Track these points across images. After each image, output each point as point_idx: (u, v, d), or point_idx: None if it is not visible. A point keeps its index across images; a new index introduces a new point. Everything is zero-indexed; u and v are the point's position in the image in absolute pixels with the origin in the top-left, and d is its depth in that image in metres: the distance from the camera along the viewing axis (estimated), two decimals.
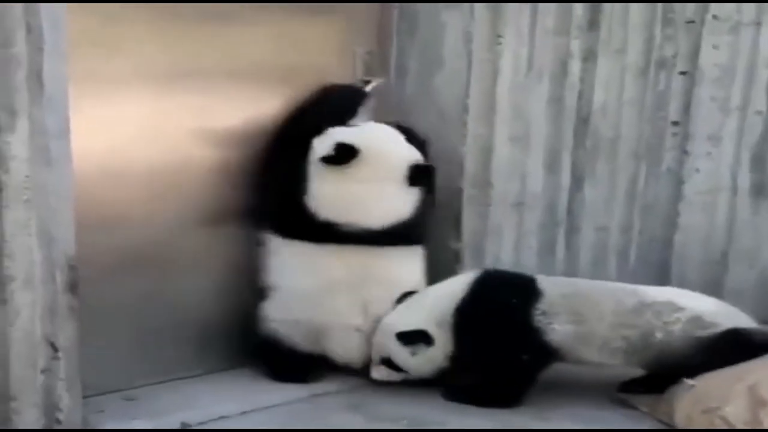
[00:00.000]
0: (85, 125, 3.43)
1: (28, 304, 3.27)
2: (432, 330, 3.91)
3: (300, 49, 4.06)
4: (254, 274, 4.07)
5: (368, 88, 4.20)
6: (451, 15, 4.16)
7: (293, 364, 4.03)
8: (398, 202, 3.99)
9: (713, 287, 4.34)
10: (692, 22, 4.63)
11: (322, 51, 4.15)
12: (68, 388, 3.43)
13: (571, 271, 4.59)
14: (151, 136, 3.79)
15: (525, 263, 4.43)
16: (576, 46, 4.36)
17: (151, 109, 3.77)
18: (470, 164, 4.27)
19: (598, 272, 4.62)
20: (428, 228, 4.13)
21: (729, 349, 3.82)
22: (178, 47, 3.78)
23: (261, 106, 4.03)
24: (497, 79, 4.20)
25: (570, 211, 4.58)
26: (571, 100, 4.42)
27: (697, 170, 4.80)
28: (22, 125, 3.12)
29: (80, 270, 3.40)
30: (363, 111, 4.14)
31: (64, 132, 3.24)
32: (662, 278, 4.59)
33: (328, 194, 3.93)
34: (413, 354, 3.93)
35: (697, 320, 3.84)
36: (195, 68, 3.84)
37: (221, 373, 4.09)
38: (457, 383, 3.97)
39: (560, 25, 4.31)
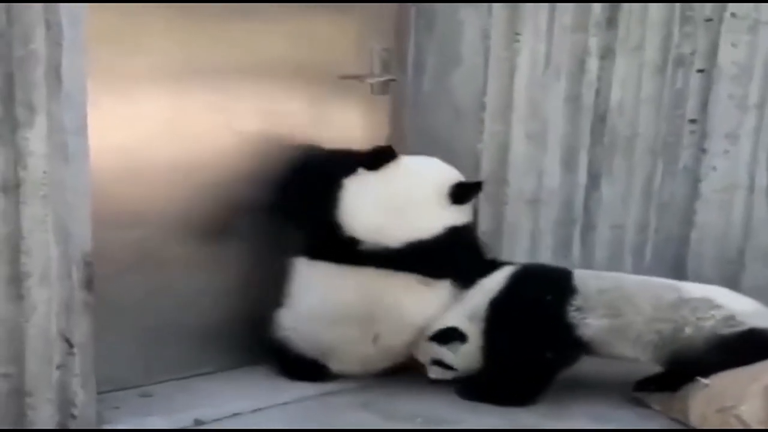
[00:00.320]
0: (103, 122, 3.44)
1: (45, 300, 3.28)
2: (464, 326, 3.92)
3: (317, 46, 4.05)
4: (270, 273, 4.06)
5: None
6: (469, 12, 4.15)
7: (303, 367, 4.03)
8: (426, 219, 3.92)
9: (730, 285, 4.28)
10: (710, 20, 4.61)
11: (339, 48, 4.13)
12: (83, 384, 3.44)
13: (586, 269, 4.55)
14: (169, 133, 3.79)
15: (540, 260, 4.40)
16: (594, 43, 4.34)
17: (169, 106, 3.77)
18: (487, 161, 4.25)
19: (613, 270, 4.59)
20: (463, 266, 4.03)
21: (746, 348, 3.81)
22: (196, 44, 3.77)
23: (279, 103, 4.03)
24: (515, 77, 4.18)
25: (586, 209, 4.56)
26: (588, 97, 4.40)
27: (714, 168, 4.79)
28: (41, 121, 3.13)
29: (97, 266, 3.41)
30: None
31: (82, 128, 3.24)
32: (678, 276, 4.55)
33: (356, 205, 3.91)
34: (453, 352, 3.94)
35: (729, 319, 3.83)
36: (213, 65, 3.83)
37: (235, 370, 4.09)
38: (472, 381, 3.96)
39: (578, 23, 4.29)
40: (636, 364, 3.95)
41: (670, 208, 4.82)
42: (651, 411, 3.95)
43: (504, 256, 4.33)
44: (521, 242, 4.39)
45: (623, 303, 3.87)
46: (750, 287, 4.66)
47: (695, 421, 3.69)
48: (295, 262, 4.00)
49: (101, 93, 3.44)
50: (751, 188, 4.83)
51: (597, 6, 4.31)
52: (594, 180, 4.54)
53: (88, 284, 3.37)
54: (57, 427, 3.41)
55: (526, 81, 4.21)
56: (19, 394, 3.31)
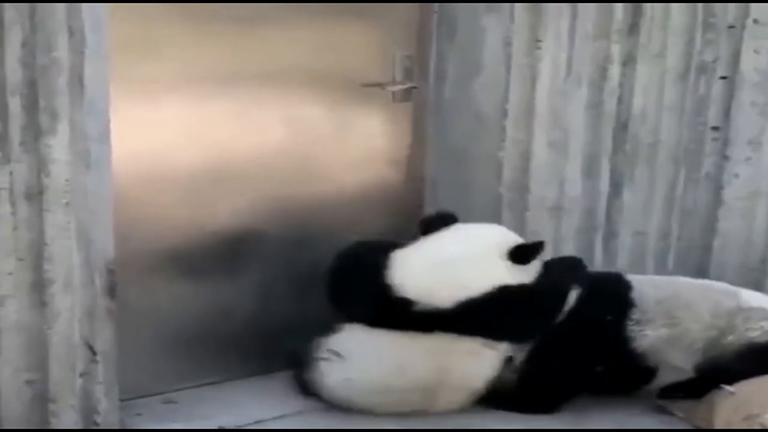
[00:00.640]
0: (126, 129, 3.47)
1: (68, 308, 3.31)
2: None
3: (339, 53, 4.05)
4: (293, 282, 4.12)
5: None
6: (491, 19, 4.13)
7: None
8: (474, 277, 3.80)
9: None
10: (733, 26, 4.58)
11: (361, 54, 4.13)
12: (106, 391, 3.47)
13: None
14: (192, 141, 3.80)
15: None
16: (616, 50, 4.31)
17: (192, 114, 3.78)
18: (508, 169, 4.24)
19: None
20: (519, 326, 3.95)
21: None
22: (218, 51, 3.77)
23: (300, 110, 4.03)
24: (536, 84, 4.16)
25: (608, 216, 4.54)
26: (610, 105, 4.37)
27: (737, 175, 4.75)
28: (63, 129, 3.15)
29: (120, 273, 3.43)
30: None
31: (105, 135, 3.27)
32: None
33: (407, 266, 3.83)
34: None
35: None
36: (236, 72, 3.84)
37: (259, 377, 4.09)
38: (503, 390, 3.95)
39: (600, 30, 4.26)
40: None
41: (692, 216, 4.79)
42: (675, 418, 3.94)
43: None
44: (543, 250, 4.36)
45: (681, 311, 3.88)
46: None
47: (720, 428, 3.68)
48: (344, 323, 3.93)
49: (124, 100, 3.46)
50: None
51: (619, 13, 4.29)
52: (616, 187, 4.52)
53: (111, 291, 3.39)
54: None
55: (547, 88, 4.19)
56: (43, 400, 3.34)
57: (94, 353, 3.41)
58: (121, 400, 3.59)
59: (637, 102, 4.45)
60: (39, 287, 3.24)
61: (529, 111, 4.19)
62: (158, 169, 3.75)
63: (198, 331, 3.95)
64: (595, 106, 4.35)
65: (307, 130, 4.07)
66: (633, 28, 4.36)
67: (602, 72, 4.33)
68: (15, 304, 3.21)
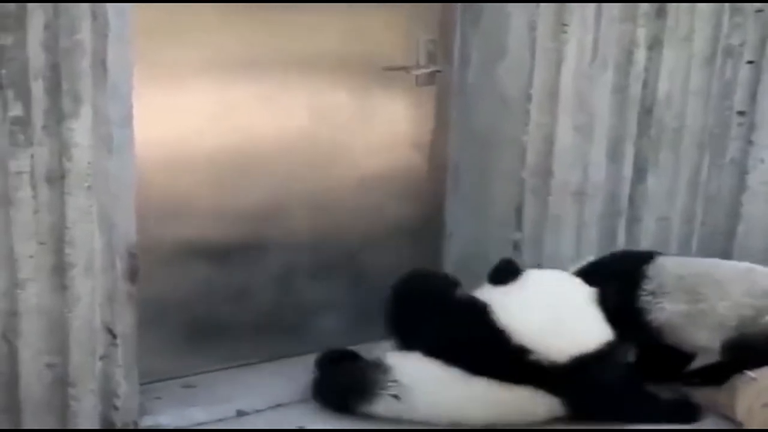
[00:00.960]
0: (149, 114, 3.45)
1: (88, 291, 3.30)
2: None
3: (364, 37, 4.02)
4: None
5: None
6: (516, 3, 4.09)
7: None
8: (589, 330, 3.71)
9: None
10: (761, 10, 4.55)
11: (385, 39, 4.10)
12: (126, 375, 3.47)
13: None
14: (216, 125, 3.79)
15: (585, 253, 4.35)
16: (642, 34, 4.27)
17: (216, 98, 3.76)
18: (532, 153, 4.21)
19: None
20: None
21: None
22: (243, 36, 3.75)
23: (325, 95, 4.02)
24: (561, 68, 4.13)
25: (631, 201, 4.51)
26: (635, 89, 4.34)
27: (762, 161, 4.74)
28: (86, 112, 3.14)
29: (141, 258, 3.42)
30: None
31: (127, 119, 3.25)
32: None
33: (525, 312, 3.68)
34: None
35: None
36: (260, 57, 3.81)
37: (277, 361, 4.09)
38: None
39: (626, 13, 4.22)
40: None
41: (716, 201, 4.77)
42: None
43: (548, 249, 4.33)
44: (566, 235, 4.35)
45: (707, 288, 3.85)
46: None
47: (741, 415, 3.68)
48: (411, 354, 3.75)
49: (148, 85, 3.43)
50: None
51: None
52: (640, 172, 4.49)
53: (132, 275, 3.39)
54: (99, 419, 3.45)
55: (572, 72, 4.16)
56: (63, 384, 3.34)
57: (114, 337, 3.40)
58: (141, 384, 3.58)
59: (663, 86, 4.41)
60: (60, 271, 3.23)
61: (553, 95, 4.16)
62: (182, 154, 3.74)
63: (218, 315, 3.96)
64: (621, 90, 4.32)
65: (331, 115, 4.05)
66: (660, 11, 4.32)
67: (628, 56, 4.29)
68: (36, 287, 3.20)
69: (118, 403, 3.47)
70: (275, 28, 3.81)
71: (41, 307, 3.23)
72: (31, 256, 3.16)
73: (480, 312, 3.66)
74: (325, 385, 3.83)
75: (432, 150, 4.36)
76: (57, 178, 3.14)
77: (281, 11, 3.81)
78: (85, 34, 3.07)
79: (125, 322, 3.41)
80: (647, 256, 4.04)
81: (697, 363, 4.08)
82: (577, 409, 3.66)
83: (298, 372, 3.95)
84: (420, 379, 3.66)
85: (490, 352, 3.60)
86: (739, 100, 4.67)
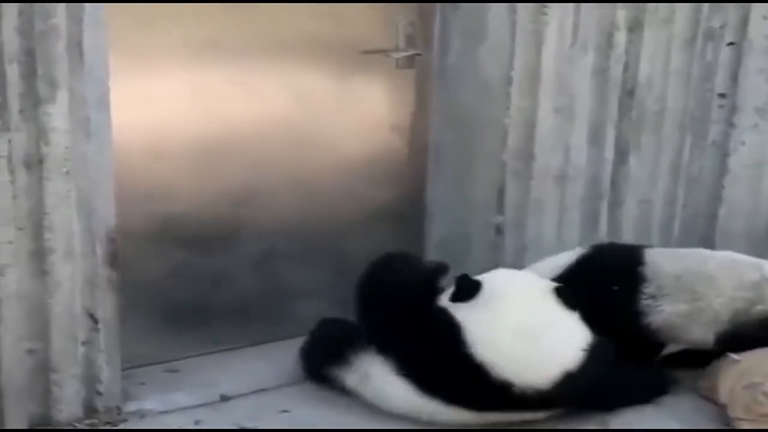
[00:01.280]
0: (127, 99, 3.45)
1: (68, 277, 3.30)
2: None
3: (342, 20, 4.00)
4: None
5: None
6: None
7: None
8: (565, 341, 3.57)
9: None
10: None
11: (364, 22, 4.09)
12: (108, 360, 3.47)
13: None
14: (193, 110, 3.78)
15: (567, 237, 4.38)
16: (622, 16, 4.26)
17: (193, 83, 3.76)
18: (513, 137, 4.20)
19: None
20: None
21: None
22: (219, 20, 3.73)
23: (303, 79, 4.00)
24: (542, 51, 4.12)
25: (613, 184, 4.51)
26: (616, 71, 4.33)
27: (743, 143, 4.72)
28: (62, 96, 3.14)
29: (122, 243, 3.43)
30: None
31: (104, 104, 3.25)
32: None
33: (498, 341, 3.53)
34: None
35: None
36: (237, 41, 3.80)
37: (260, 345, 4.09)
38: None
39: None
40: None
41: (698, 184, 4.77)
42: (680, 388, 3.93)
43: (530, 232, 4.33)
44: (548, 218, 4.35)
45: (702, 285, 3.86)
46: None
47: (724, 397, 3.67)
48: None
49: (125, 71, 3.42)
50: None
51: None
52: (621, 155, 4.48)
53: (113, 260, 3.39)
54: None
55: (553, 55, 4.15)
56: (45, 370, 3.35)
57: (96, 322, 3.41)
58: (124, 369, 3.59)
59: (644, 68, 4.41)
60: (39, 256, 3.24)
61: (534, 78, 4.16)
62: (160, 139, 3.73)
63: (200, 300, 3.96)
64: (601, 72, 4.31)
65: (310, 99, 4.04)
66: None
67: (608, 38, 4.28)
68: (15, 273, 3.20)
69: (101, 388, 3.48)
70: (253, 11, 3.79)
71: (21, 293, 3.23)
72: (9, 242, 3.16)
73: (457, 343, 3.51)
74: (308, 346, 3.86)
75: (413, 133, 4.36)
76: (35, 163, 3.14)
77: None
78: (60, 18, 3.07)
79: (106, 306, 3.42)
80: (639, 255, 3.99)
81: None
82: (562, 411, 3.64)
83: (281, 356, 3.95)
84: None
85: (470, 387, 3.50)
86: (720, 83, 4.66)
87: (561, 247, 4.29)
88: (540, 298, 3.65)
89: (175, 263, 3.88)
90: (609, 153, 4.45)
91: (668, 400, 3.84)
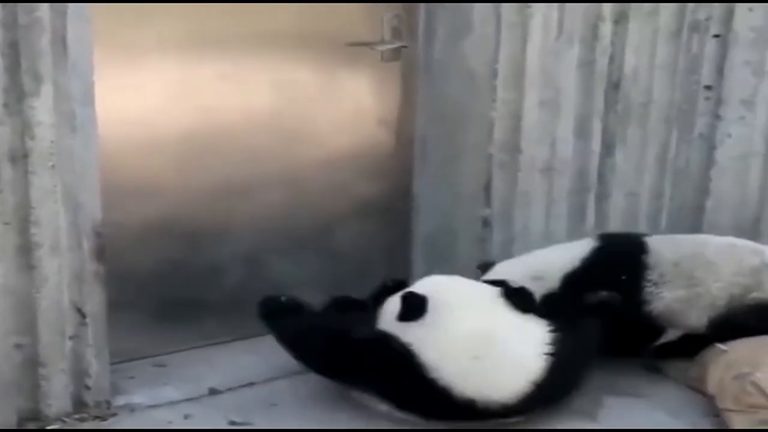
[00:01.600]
0: (113, 93, 3.46)
1: (55, 271, 3.31)
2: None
3: (327, 13, 4.00)
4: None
5: None
6: None
7: None
8: (525, 350, 3.51)
9: None
10: None
11: (349, 15, 4.08)
12: (96, 354, 3.48)
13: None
14: (178, 104, 3.78)
15: (554, 229, 4.39)
16: (607, 8, 4.27)
17: (179, 77, 3.76)
18: (499, 130, 4.21)
19: None
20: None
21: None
22: (206, 14, 3.74)
23: (289, 72, 4.01)
24: (527, 44, 4.13)
25: (600, 177, 4.52)
26: (602, 64, 4.34)
27: (729, 135, 4.73)
28: (47, 90, 3.14)
29: (110, 237, 3.43)
30: None
31: (89, 97, 3.26)
32: None
33: (455, 358, 3.46)
34: None
35: None
36: (222, 35, 3.80)
37: (250, 339, 4.07)
38: None
39: None
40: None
41: (685, 176, 4.77)
42: (668, 379, 3.96)
43: (517, 225, 4.34)
44: (535, 211, 4.36)
45: (701, 271, 3.87)
46: None
47: (712, 387, 3.68)
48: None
49: (110, 65, 3.43)
50: (767, 155, 4.79)
51: None
52: (608, 148, 4.49)
53: (99, 254, 3.39)
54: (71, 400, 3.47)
55: (538, 47, 4.16)
56: (33, 364, 3.35)
57: (84, 316, 3.41)
58: (113, 364, 3.59)
59: (629, 61, 4.42)
60: (26, 251, 3.24)
61: (519, 70, 4.17)
62: (147, 134, 3.74)
63: (188, 294, 3.96)
64: (587, 65, 4.32)
65: (295, 92, 4.04)
66: None
67: (594, 30, 4.29)
68: (2, 268, 3.21)
69: (90, 382, 3.48)
70: (239, 5, 3.79)
71: (8, 288, 3.23)
72: None
73: (414, 370, 3.42)
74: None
75: (399, 126, 4.36)
76: (20, 157, 3.15)
77: None
78: (43, 11, 3.07)
79: (94, 301, 3.42)
80: (642, 243, 4.00)
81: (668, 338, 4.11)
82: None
83: (270, 350, 3.93)
84: None
85: (438, 406, 3.45)
86: (705, 75, 4.66)
87: (548, 240, 4.31)
88: (490, 306, 3.60)
89: (163, 257, 3.88)
90: (595, 146, 4.46)
91: (657, 392, 3.85)
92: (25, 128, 3.13)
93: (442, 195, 4.38)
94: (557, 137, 4.33)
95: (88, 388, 3.49)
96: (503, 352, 3.45)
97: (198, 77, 3.79)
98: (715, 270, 3.87)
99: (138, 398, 3.63)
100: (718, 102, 4.70)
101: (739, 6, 4.57)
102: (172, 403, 3.63)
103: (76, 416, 3.46)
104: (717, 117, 4.72)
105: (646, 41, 4.45)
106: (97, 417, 3.49)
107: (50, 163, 3.19)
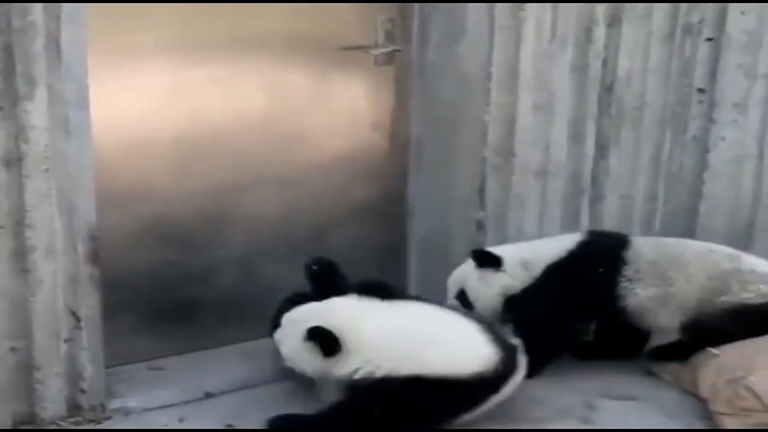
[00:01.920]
0: (108, 97, 3.47)
1: (50, 274, 3.31)
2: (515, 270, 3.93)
3: (321, 17, 4.01)
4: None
5: None
6: None
7: None
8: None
9: None
10: None
11: (342, 19, 4.10)
12: (91, 357, 3.48)
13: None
14: (174, 107, 3.79)
15: (548, 232, 4.37)
16: (601, 11, 4.27)
17: (174, 81, 3.77)
18: (493, 133, 4.21)
19: None
20: None
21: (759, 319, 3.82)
22: (200, 18, 3.75)
23: (282, 76, 4.02)
24: (520, 47, 4.13)
25: (594, 180, 4.52)
26: (595, 67, 4.34)
27: (723, 138, 4.73)
28: (41, 94, 3.14)
29: (105, 241, 3.45)
30: None
31: (84, 101, 3.26)
32: None
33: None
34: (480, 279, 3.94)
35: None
36: (215, 38, 3.81)
37: (245, 343, 4.09)
38: None
39: None
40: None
41: (678, 179, 4.77)
42: (662, 382, 3.97)
43: (512, 229, 4.34)
44: (529, 214, 4.36)
45: (675, 272, 3.90)
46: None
47: (705, 392, 3.69)
48: None
49: (105, 67, 3.44)
50: (761, 158, 4.79)
51: None
52: (602, 151, 4.49)
53: (94, 258, 3.40)
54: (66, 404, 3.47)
55: (531, 51, 4.16)
56: (28, 368, 3.36)
57: (78, 320, 3.41)
58: (108, 368, 3.60)
59: (623, 64, 4.41)
60: (21, 254, 3.24)
61: (513, 74, 4.17)
62: (140, 136, 3.74)
63: (183, 298, 3.96)
64: (580, 68, 4.32)
65: (289, 96, 4.05)
66: None
67: (587, 34, 4.29)
68: None
69: (85, 385, 3.49)
70: (233, 9, 3.80)
71: (2, 291, 3.25)
72: None
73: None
74: None
75: (393, 130, 4.37)
76: (14, 161, 3.15)
77: None
78: (37, 14, 3.08)
79: (89, 304, 3.43)
80: (625, 240, 4.05)
81: (660, 341, 4.10)
82: None
83: (265, 354, 3.93)
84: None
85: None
86: (698, 78, 4.66)
87: None
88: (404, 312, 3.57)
89: (158, 261, 3.89)
90: (589, 149, 4.46)
91: (652, 394, 3.86)
92: (19, 132, 3.13)
93: (437, 198, 4.39)
94: (551, 140, 4.33)
95: (83, 391, 3.49)
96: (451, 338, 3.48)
97: (192, 80, 3.80)
98: (689, 271, 3.90)
99: (133, 401, 3.63)
100: (711, 105, 4.70)
101: (731, 9, 4.57)
102: (166, 407, 3.64)
103: (71, 419, 3.47)
104: (710, 120, 4.72)
105: (640, 44, 4.44)
106: (91, 420, 3.50)
107: (44, 167, 3.19)
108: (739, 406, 3.52)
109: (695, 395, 3.76)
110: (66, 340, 3.41)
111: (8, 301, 3.25)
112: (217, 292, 4.05)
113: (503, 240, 4.28)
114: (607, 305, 3.94)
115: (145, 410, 3.61)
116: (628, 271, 3.92)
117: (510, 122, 4.22)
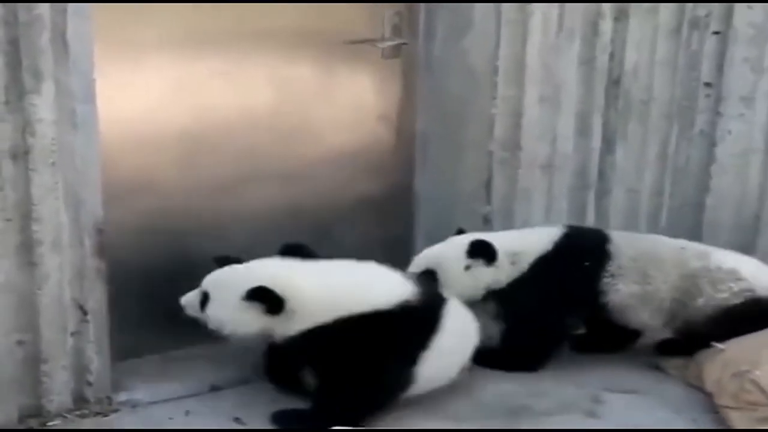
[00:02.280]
0: (113, 91, 3.46)
1: (57, 268, 3.31)
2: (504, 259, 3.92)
3: (327, 11, 4.01)
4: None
5: None
6: None
7: None
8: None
9: (745, 251, 4.28)
10: None
11: (349, 12, 4.09)
12: (98, 350, 3.49)
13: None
14: (180, 101, 3.79)
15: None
16: (607, 5, 4.27)
17: (180, 74, 3.76)
18: (500, 126, 4.22)
19: None
20: None
21: (747, 316, 3.83)
22: (206, 11, 3.74)
23: (289, 69, 4.01)
24: (527, 40, 4.13)
25: (601, 174, 4.52)
26: (602, 61, 4.34)
27: (730, 132, 4.72)
28: (48, 88, 3.14)
29: (112, 234, 3.45)
30: None
31: (90, 95, 3.26)
32: (693, 241, 4.52)
33: None
34: (466, 268, 3.92)
35: (744, 292, 3.85)
36: (223, 32, 3.81)
37: None
38: (488, 349, 3.91)
39: None
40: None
41: (685, 173, 4.77)
42: (667, 376, 3.96)
43: (518, 222, 4.34)
44: (536, 207, 4.37)
45: (654, 270, 3.90)
46: (765, 252, 4.63)
47: (711, 386, 3.69)
48: None
49: (110, 61, 3.43)
50: (767, 152, 4.78)
51: None
52: (608, 144, 4.50)
53: (101, 251, 3.40)
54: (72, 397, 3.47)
55: (538, 44, 4.16)
56: (35, 361, 3.36)
57: (85, 313, 3.42)
58: (115, 361, 3.60)
59: (630, 57, 4.42)
60: (27, 248, 3.24)
61: (520, 67, 4.17)
62: (146, 130, 3.74)
63: (189, 291, 3.92)
64: (587, 61, 4.32)
65: (296, 89, 4.05)
66: None
67: (594, 27, 4.29)
68: (4, 264, 3.22)
69: (91, 378, 3.50)
70: (240, 2, 3.79)
71: (10, 285, 3.24)
72: None
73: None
74: None
75: (400, 123, 4.37)
76: (21, 154, 3.15)
77: None
78: (44, 8, 3.08)
79: (95, 298, 3.43)
80: (606, 234, 4.05)
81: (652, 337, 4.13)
82: None
83: None
84: None
85: None
86: (705, 72, 4.66)
87: None
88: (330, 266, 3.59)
89: (164, 254, 3.88)
90: (596, 142, 4.46)
91: (658, 388, 3.86)
92: (25, 125, 3.13)
93: (443, 192, 4.39)
94: (558, 134, 4.33)
95: (89, 384, 3.50)
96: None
97: (199, 75, 3.80)
98: (665, 270, 3.91)
99: (139, 394, 3.63)
100: (718, 99, 4.69)
101: (738, 3, 4.56)
102: (173, 399, 3.64)
103: (78, 412, 3.48)
104: (717, 114, 4.71)
105: (646, 38, 4.44)
106: (98, 413, 3.51)
107: (51, 160, 3.19)
108: (744, 400, 3.52)
109: (701, 389, 3.76)
110: (73, 334, 3.41)
111: (15, 294, 3.26)
112: None
113: None
114: (592, 300, 3.93)
115: (152, 403, 3.61)
116: (611, 266, 3.91)
117: (516, 116, 4.22)
